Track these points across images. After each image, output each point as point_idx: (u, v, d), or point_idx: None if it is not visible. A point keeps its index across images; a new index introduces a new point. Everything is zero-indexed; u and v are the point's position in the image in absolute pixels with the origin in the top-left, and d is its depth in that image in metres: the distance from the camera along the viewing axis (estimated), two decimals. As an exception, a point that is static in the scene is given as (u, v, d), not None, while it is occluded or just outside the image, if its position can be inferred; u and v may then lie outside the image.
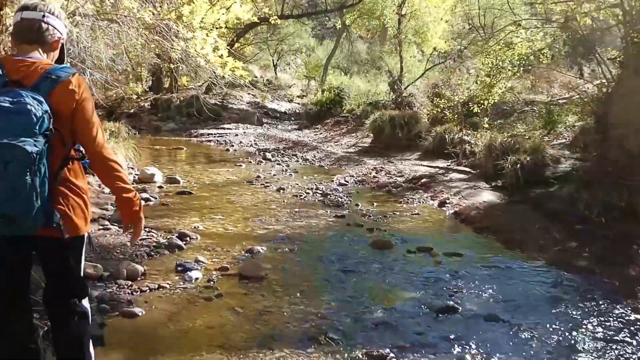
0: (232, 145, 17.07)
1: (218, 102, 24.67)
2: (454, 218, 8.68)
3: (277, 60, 32.44)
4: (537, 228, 7.69)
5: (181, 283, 5.34)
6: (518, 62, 12.81)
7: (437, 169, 12.25)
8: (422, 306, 5.04)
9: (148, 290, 5.13)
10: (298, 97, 30.19)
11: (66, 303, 2.75)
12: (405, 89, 19.14)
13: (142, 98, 23.57)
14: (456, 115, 13.21)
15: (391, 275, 5.90)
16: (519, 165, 10.06)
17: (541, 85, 17.02)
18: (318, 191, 10.24)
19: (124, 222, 3.01)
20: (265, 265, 5.95)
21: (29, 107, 2.30)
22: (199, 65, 14.55)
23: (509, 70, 12.88)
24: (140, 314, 4.62)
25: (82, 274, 2.86)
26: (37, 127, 2.32)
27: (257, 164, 13.54)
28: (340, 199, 9.60)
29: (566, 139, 12.23)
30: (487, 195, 9.74)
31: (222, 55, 12.68)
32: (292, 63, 35.69)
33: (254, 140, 18.01)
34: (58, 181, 2.56)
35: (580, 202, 8.13)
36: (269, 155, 14.51)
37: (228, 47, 13.22)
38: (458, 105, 13.05)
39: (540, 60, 12.93)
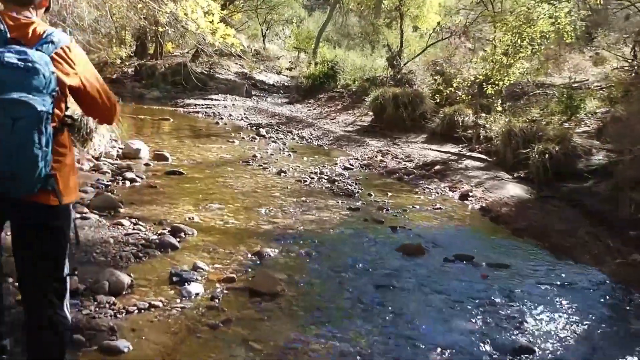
0: (222, 118, 15.74)
1: (205, 71, 23.24)
2: (482, 215, 7.56)
3: (266, 30, 30.87)
4: (584, 232, 6.59)
5: (178, 300, 4.13)
6: (539, 41, 11.64)
7: (449, 155, 11.11)
8: (487, 344, 3.90)
9: (136, 311, 3.92)
10: (287, 69, 28.79)
11: (42, 300, 2.52)
12: (404, 65, 17.91)
13: (126, 63, 22.02)
14: (470, 97, 11.96)
15: (433, 293, 4.75)
16: (547, 156, 8.96)
17: (557, 66, 15.84)
18: (323, 176, 9.05)
19: None
20: (279, 275, 4.77)
21: (37, 65, 2.22)
22: (189, 30, 13.23)
23: (528, 48, 11.71)
24: (125, 349, 3.41)
25: (65, 266, 2.61)
26: (46, 87, 2.25)
27: (251, 140, 12.27)
28: (350, 187, 8.42)
29: (589, 126, 11.13)
30: (512, 189, 8.63)
31: (212, 20, 11.43)
32: (280, 34, 34.14)
33: (244, 114, 16.69)
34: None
35: (627, 203, 7.07)
36: (262, 131, 13.23)
37: (221, 13, 11.91)
38: (474, 86, 11.79)
39: (565, 38, 11.79)
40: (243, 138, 12.36)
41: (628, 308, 4.73)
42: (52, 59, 2.34)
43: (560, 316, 4.44)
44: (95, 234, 5.23)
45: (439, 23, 19.15)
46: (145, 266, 4.74)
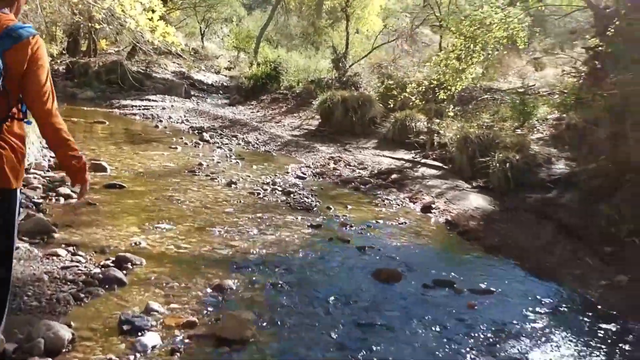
0: (161, 121, 14.78)
1: (141, 70, 22.10)
2: (449, 230, 7.08)
3: (205, 29, 29.80)
4: (561, 249, 6.21)
5: (131, 358, 3.39)
6: (492, 46, 11.34)
7: (403, 162, 10.66)
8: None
9: (80, 379, 3.18)
10: (226, 68, 27.86)
11: None
12: (350, 67, 17.41)
13: (57, 61, 20.60)
14: (424, 102, 11.52)
15: (421, 330, 4.18)
16: (507, 165, 8.62)
17: (502, 71, 15.67)
18: (277, 187, 8.39)
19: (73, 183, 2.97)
20: (247, 315, 4.09)
21: None
22: (126, 27, 12.28)
23: (482, 53, 11.38)
24: None
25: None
26: None
27: (195, 146, 11.44)
28: (307, 200, 7.79)
29: (542, 133, 10.90)
30: (475, 200, 8.23)
31: (152, 18, 10.59)
32: (219, 32, 33.10)
33: (185, 116, 15.76)
34: None
35: (600, 216, 6.75)
36: (206, 135, 12.40)
37: (163, 10, 11.10)
38: (428, 91, 11.36)
39: (518, 44, 11.52)
40: (186, 143, 11.52)
41: (626, 338, 4.29)
42: (9, 52, 2.46)
43: (560, 352, 3.96)
44: (25, 270, 4.38)
45: (385, 25, 18.72)
46: (89, 310, 3.95)
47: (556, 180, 8.33)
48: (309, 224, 6.67)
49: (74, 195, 6.80)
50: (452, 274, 5.36)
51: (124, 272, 4.62)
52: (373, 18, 23.60)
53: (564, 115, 11.41)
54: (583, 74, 12.35)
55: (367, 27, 22.55)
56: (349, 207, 7.72)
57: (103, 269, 4.63)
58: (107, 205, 6.62)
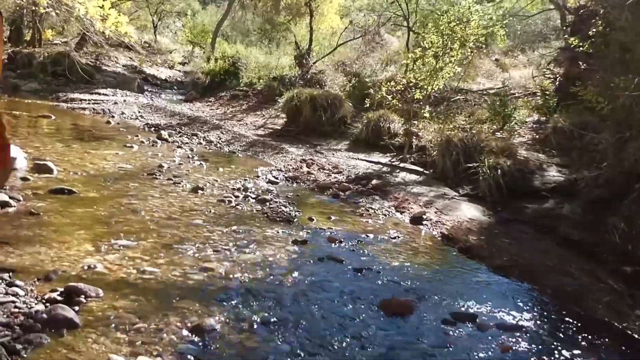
0: (113, 116, 13.48)
1: (90, 62, 20.63)
2: (447, 245, 6.22)
3: (158, 22, 28.30)
4: (577, 270, 5.44)
5: None
6: (471, 44, 10.59)
7: (380, 166, 9.80)
8: None
9: None
10: (180, 63, 26.51)
11: None
12: (313, 64, 16.47)
13: (-4, 50, 18.90)
14: (401, 102, 10.66)
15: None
16: (499, 172, 7.85)
17: (472, 71, 15.01)
18: (249, 194, 7.38)
19: None
20: (240, 371, 3.11)
21: None
22: (75, 15, 11.11)
23: (459, 51, 10.62)
24: None
25: None
26: None
27: (152, 145, 10.27)
28: (285, 209, 6.81)
29: (523, 137, 10.23)
30: (467, 210, 7.43)
31: (103, 6, 9.52)
32: (172, 26, 31.61)
33: (139, 112, 14.48)
34: None
35: (608, 230, 6.04)
36: (164, 133, 11.22)
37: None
38: (405, 91, 10.51)
39: (499, 42, 10.83)
40: (142, 142, 10.34)
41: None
42: None
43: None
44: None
45: (351, 22, 17.84)
46: (27, 372, 2.90)
47: (552, 188, 7.61)
48: (292, 239, 5.70)
49: (12, 203, 5.64)
50: (469, 303, 4.50)
51: (76, 308, 3.58)
52: (332, 16, 22.79)
53: (543, 118, 10.82)
54: (558, 75, 11.78)
55: (325, 24, 21.70)
56: (332, 217, 6.78)
57: (48, 305, 3.58)
58: (53, 215, 5.48)
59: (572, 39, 10.79)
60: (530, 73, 15.28)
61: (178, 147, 10.35)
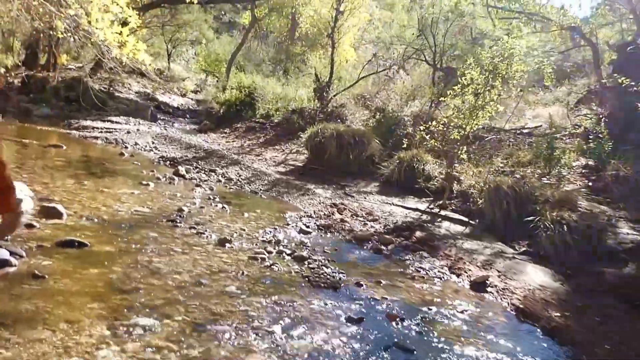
0: (126, 147, 12.43)
1: (104, 89, 19.64)
2: (525, 321, 5.10)
3: (172, 49, 27.47)
4: None
5: None
6: (515, 81, 9.56)
7: (419, 213, 8.71)
8: None
9: None
10: (193, 92, 25.58)
11: None
12: (334, 97, 15.48)
13: (12, 73, 17.96)
14: (442, 143, 9.58)
15: None
16: (565, 228, 6.75)
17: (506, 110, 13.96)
18: (282, 248, 6.27)
19: None
20: None
21: None
22: (92, 40, 10.14)
23: (501, 89, 9.59)
24: None
25: None
26: None
27: (169, 182, 9.18)
28: (326, 270, 5.72)
29: (574, 183, 9.14)
30: (534, 273, 6.32)
31: (121, 32, 8.64)
32: (184, 54, 30.80)
33: (153, 143, 13.44)
34: None
35: None
36: (181, 169, 10.12)
37: (138, 22, 9.09)
38: (453, 131, 9.43)
39: (545, 80, 9.84)
40: (158, 178, 9.26)
41: None
42: None
43: None
44: None
45: (375, 55, 16.90)
46: None
47: (629, 249, 6.51)
48: (346, 315, 4.59)
49: (13, 261, 4.54)
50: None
51: None
52: (346, 47, 21.94)
53: (591, 162, 9.78)
54: (603, 115, 10.73)
55: (343, 56, 20.85)
56: (382, 281, 5.66)
57: None
58: (60, 279, 4.38)
59: (618, 76, 9.83)
60: (558, 111, 14.32)
61: (196, 185, 9.26)
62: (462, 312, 5.11)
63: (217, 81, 23.70)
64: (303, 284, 5.24)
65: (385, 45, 17.45)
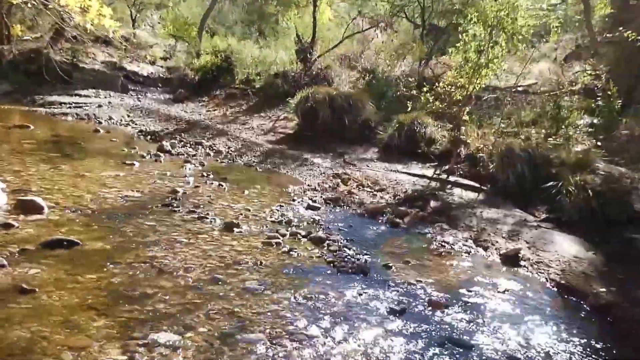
0: (100, 122, 11.67)
1: (66, 59, 18.46)
2: (569, 298, 4.70)
3: (136, 15, 26.15)
4: None
5: None
6: (521, 36, 9.03)
7: (427, 180, 8.24)
8: None
9: None
10: (162, 59, 24.44)
11: None
12: (317, 58, 14.78)
13: (-39, 48, 16.79)
14: (447, 104, 9.05)
15: None
16: (590, 192, 6.35)
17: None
18: (295, 229, 5.76)
19: None
20: None
21: None
22: (49, 7, 9.37)
23: (507, 45, 9.06)
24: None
25: None
26: None
27: (155, 160, 8.53)
28: (348, 252, 5.23)
29: (582, 143, 8.73)
30: (565, 243, 5.93)
31: None
32: (150, 19, 29.42)
33: (129, 116, 12.67)
34: None
35: None
36: (165, 144, 9.44)
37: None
38: (456, 92, 8.86)
39: (552, 35, 9.33)
40: (142, 156, 8.59)
41: None
42: None
43: None
44: None
45: (359, 12, 16.15)
46: None
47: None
48: (385, 307, 4.11)
49: (-3, 269, 3.94)
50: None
51: None
52: (323, 6, 21.11)
53: (596, 120, 9.40)
54: (604, 72, 10.28)
55: (323, 15, 20.02)
56: (410, 261, 5.20)
57: None
58: (54, 291, 3.78)
59: (623, 29, 9.40)
60: (547, 68, 13.90)
61: (185, 161, 8.62)
62: (503, 292, 4.68)
63: (188, 46, 22.66)
64: (329, 271, 4.74)
65: (370, 3, 16.66)
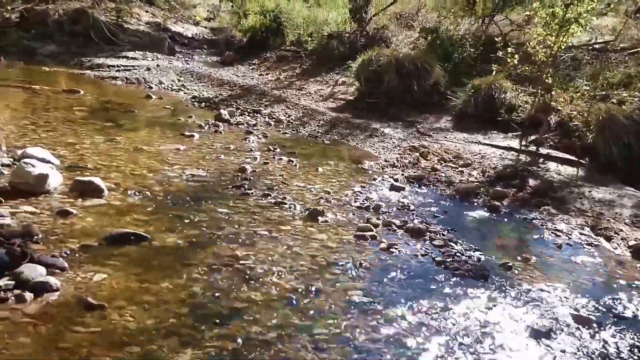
0: (151, 87, 10.89)
1: (111, 20, 17.69)
2: None
3: (179, -27, 25.17)
4: None
5: None
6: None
7: (515, 153, 7.24)
8: None
9: None
10: (205, 19, 23.55)
11: None
12: (372, 17, 13.67)
13: (7, 8, 16.10)
14: (536, 67, 7.97)
15: None
16: None
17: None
18: (388, 218, 4.92)
19: None
20: None
21: None
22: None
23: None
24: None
25: None
26: None
27: (214, 131, 7.73)
28: (456, 247, 4.37)
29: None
30: None
31: None
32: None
33: (179, 80, 11.88)
34: None
35: None
36: (224, 113, 8.60)
37: None
38: (540, 52, 7.76)
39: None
40: (201, 126, 7.80)
41: None
42: None
43: None
44: None
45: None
46: None
47: None
48: (525, 327, 3.27)
49: (52, 282, 3.18)
50: None
51: None
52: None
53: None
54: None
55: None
56: (529, 258, 4.32)
57: None
58: (125, 306, 3.04)
59: None
60: (615, 22, 12.52)
61: (247, 132, 7.80)
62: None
63: (232, 6, 21.67)
64: (442, 275, 3.90)
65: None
